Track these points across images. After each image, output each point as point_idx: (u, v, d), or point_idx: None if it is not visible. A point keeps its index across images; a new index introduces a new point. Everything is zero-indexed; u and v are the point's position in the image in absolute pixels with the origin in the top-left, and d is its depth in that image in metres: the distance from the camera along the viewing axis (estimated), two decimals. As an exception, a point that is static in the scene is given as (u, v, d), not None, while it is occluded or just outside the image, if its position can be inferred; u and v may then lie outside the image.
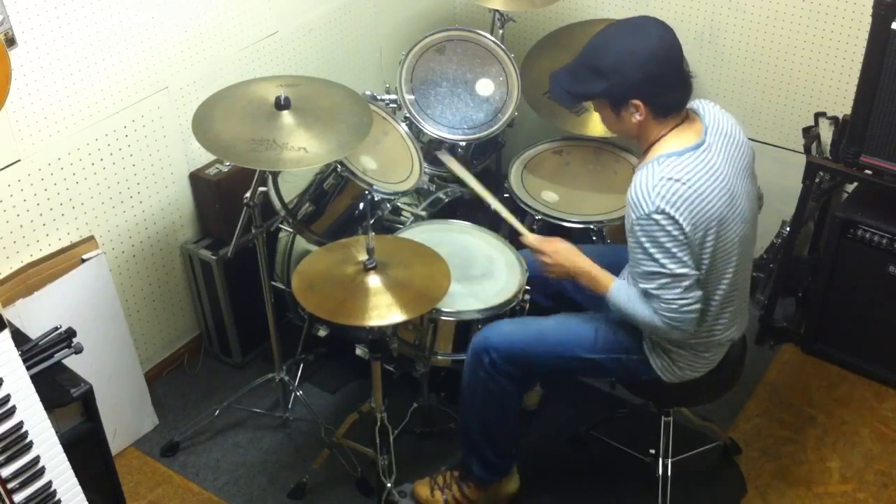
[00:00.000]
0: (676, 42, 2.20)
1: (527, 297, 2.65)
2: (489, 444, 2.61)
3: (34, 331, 2.26)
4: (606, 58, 2.20)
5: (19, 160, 2.58)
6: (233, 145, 2.42)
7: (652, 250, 2.15)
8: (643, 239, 2.16)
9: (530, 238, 2.55)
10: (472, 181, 2.75)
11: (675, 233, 2.13)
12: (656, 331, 2.27)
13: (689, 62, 3.25)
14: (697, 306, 2.20)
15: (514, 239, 2.90)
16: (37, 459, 1.92)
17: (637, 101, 2.19)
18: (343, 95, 2.66)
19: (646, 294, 2.22)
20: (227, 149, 2.44)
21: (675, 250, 2.14)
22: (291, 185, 2.78)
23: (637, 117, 2.21)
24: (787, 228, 3.25)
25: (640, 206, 2.14)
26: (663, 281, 2.17)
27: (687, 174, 2.14)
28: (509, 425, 2.61)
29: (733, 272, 2.27)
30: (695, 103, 2.30)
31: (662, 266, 2.16)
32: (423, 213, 2.98)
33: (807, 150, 3.07)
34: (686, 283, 2.17)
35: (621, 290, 2.31)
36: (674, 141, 2.21)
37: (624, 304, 2.30)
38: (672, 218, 2.11)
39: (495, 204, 2.68)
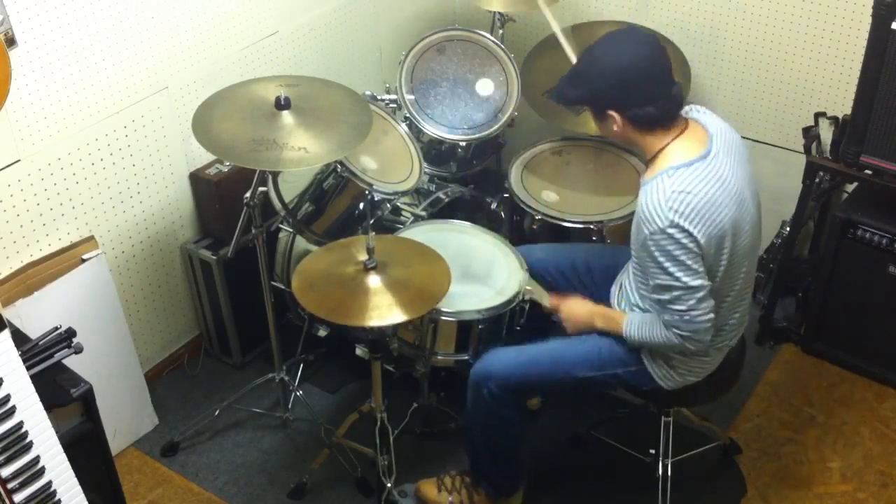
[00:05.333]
0: (659, 57, 2.18)
1: (527, 297, 2.65)
2: (497, 467, 2.63)
3: (34, 331, 2.25)
4: (586, 66, 2.23)
5: (19, 160, 2.58)
6: (233, 145, 2.42)
7: (666, 264, 2.14)
8: (657, 254, 2.14)
9: (547, 304, 2.58)
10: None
11: (690, 245, 2.11)
12: (673, 347, 2.27)
13: (689, 62, 3.28)
14: (711, 316, 2.20)
15: (514, 239, 2.91)
16: (37, 459, 1.92)
17: (611, 112, 2.19)
18: (343, 95, 2.66)
19: (659, 304, 2.22)
20: (227, 149, 2.44)
21: (689, 262, 2.13)
22: (291, 185, 2.78)
23: (615, 128, 2.21)
24: (787, 228, 3.25)
25: (653, 222, 2.11)
26: (677, 293, 2.17)
27: (697, 185, 2.12)
28: (515, 448, 2.61)
29: (744, 278, 2.28)
30: (692, 111, 2.29)
31: (677, 279, 2.15)
32: (423, 213, 2.98)
33: (807, 150, 3.07)
34: (699, 295, 2.17)
35: (634, 320, 2.33)
36: (679, 151, 2.18)
37: (638, 333, 2.31)
38: (686, 231, 2.10)
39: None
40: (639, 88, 2.16)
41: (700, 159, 2.16)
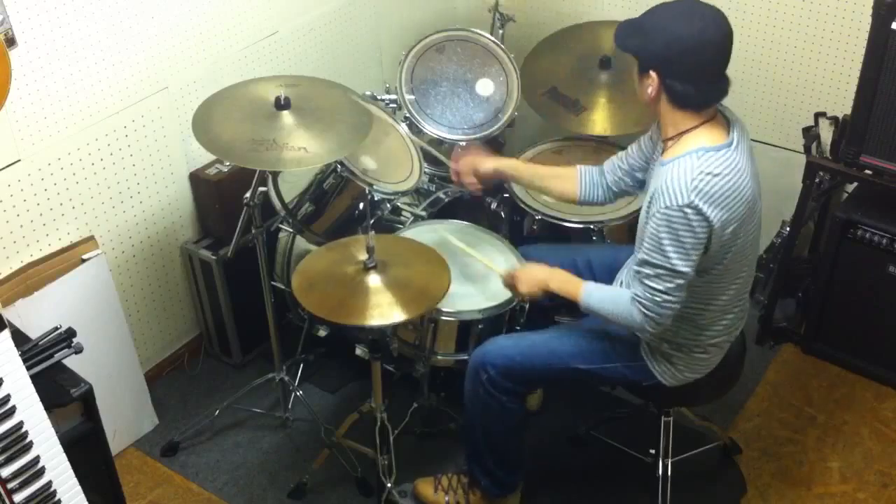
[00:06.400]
0: (720, 41, 2.11)
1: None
2: (494, 459, 2.61)
3: (34, 331, 2.26)
4: (650, 19, 2.14)
5: (19, 160, 2.58)
6: (233, 145, 2.42)
7: (665, 241, 2.12)
8: (662, 228, 2.11)
9: (502, 270, 2.56)
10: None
11: (700, 231, 2.10)
12: (631, 324, 2.24)
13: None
14: (678, 307, 2.19)
15: (514, 239, 2.91)
16: (37, 459, 1.92)
17: (653, 73, 2.13)
18: (343, 95, 2.66)
19: (637, 276, 2.20)
20: (227, 149, 2.44)
21: (689, 248, 2.11)
22: (291, 185, 2.78)
23: (650, 90, 2.16)
24: (787, 228, 3.25)
25: (674, 196, 2.09)
26: (660, 271, 2.15)
27: (724, 170, 2.11)
28: (513, 439, 2.60)
29: (746, 273, 2.28)
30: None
31: (668, 259, 2.13)
32: (423, 213, 2.98)
33: (807, 150, 3.07)
34: (680, 282, 2.16)
35: (595, 289, 2.31)
36: (707, 136, 2.16)
37: (598, 303, 2.28)
38: (703, 214, 2.08)
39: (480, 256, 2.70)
40: (688, 64, 2.11)
41: (726, 146, 2.15)
